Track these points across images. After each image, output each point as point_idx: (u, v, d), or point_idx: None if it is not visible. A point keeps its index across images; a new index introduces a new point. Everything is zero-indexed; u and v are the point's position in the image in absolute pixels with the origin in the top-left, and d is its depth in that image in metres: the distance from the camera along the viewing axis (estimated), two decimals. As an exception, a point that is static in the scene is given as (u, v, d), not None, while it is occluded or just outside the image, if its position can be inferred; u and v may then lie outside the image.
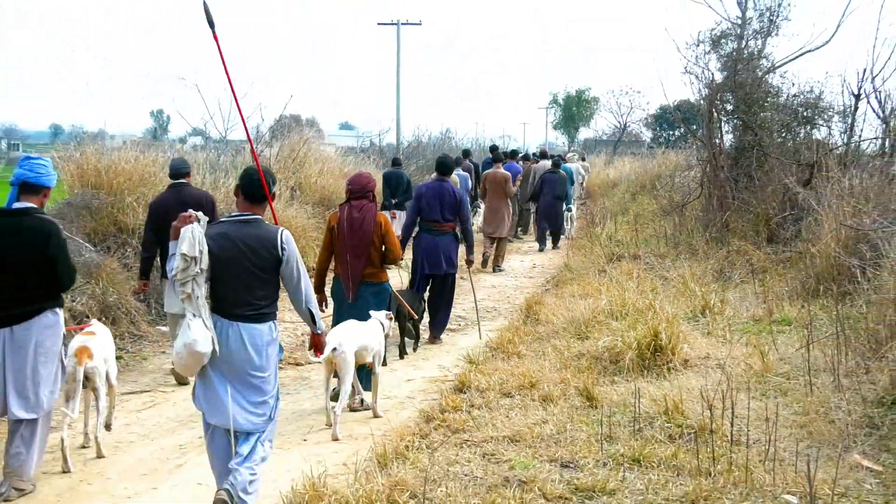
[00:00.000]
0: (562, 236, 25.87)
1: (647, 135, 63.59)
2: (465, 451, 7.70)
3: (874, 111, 17.69)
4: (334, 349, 8.81)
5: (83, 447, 8.50)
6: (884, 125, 17.41)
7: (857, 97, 18.05)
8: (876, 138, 18.10)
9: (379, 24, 52.91)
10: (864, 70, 17.38)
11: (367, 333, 9.57)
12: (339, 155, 27.27)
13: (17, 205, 7.51)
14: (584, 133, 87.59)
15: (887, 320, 9.57)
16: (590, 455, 7.41)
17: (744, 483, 6.64)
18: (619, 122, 69.07)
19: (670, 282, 15.37)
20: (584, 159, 44.04)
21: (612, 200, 33.80)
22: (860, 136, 18.61)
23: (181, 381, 10.86)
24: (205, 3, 7.26)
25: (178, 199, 11.14)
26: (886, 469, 6.96)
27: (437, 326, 13.51)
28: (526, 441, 7.86)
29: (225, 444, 6.56)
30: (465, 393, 9.69)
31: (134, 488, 7.48)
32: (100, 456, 8.20)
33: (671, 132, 53.44)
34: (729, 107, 21.17)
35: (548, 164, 26.77)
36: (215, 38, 7.41)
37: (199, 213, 6.48)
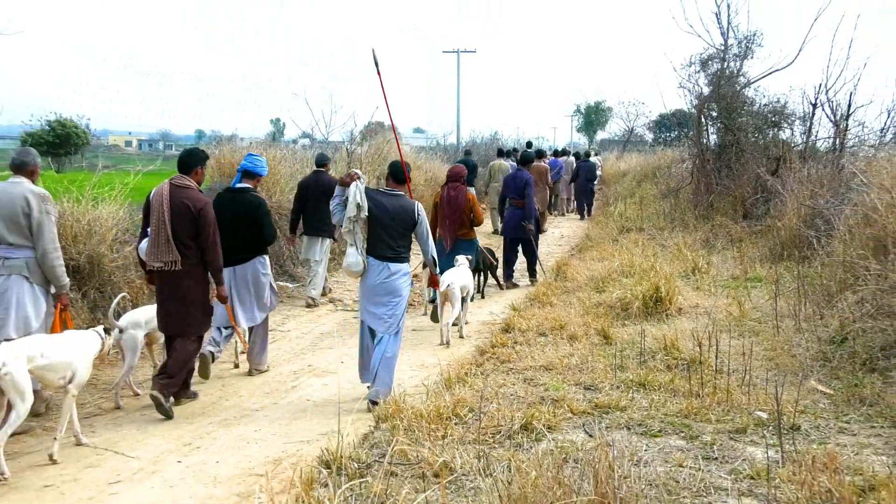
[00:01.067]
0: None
1: (649, 136, 62.58)
2: (511, 377, 7.73)
3: (827, 116, 17.60)
4: (448, 285, 9.78)
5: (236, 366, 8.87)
6: (835, 127, 17.31)
7: (814, 106, 17.90)
8: (828, 138, 17.98)
9: (443, 52, 52.70)
10: (820, 84, 17.39)
11: (465, 275, 10.55)
12: (413, 152, 27.20)
13: (239, 185, 8.74)
14: (600, 135, 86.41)
15: (837, 278, 9.51)
16: (606, 380, 7.41)
17: (725, 402, 6.61)
18: (628, 126, 67.74)
19: (668, 248, 15.26)
20: (597, 154, 43.59)
21: (622, 186, 33.49)
22: (816, 136, 18.55)
23: (310, 305, 12.25)
24: (373, 50, 8.49)
25: (317, 181, 12.38)
26: (836, 393, 6.90)
27: (529, 272, 14.50)
28: (557, 369, 7.87)
29: (368, 335, 7.73)
30: (510, 333, 9.69)
31: (259, 403, 7.58)
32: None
33: (668, 133, 52.54)
34: (714, 114, 20.90)
35: (572, 159, 28.36)
36: (379, 74, 8.69)
37: (360, 173, 7.59)
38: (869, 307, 8.24)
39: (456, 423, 6.20)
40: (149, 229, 7.37)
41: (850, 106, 16.89)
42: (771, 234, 14.70)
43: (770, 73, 20.13)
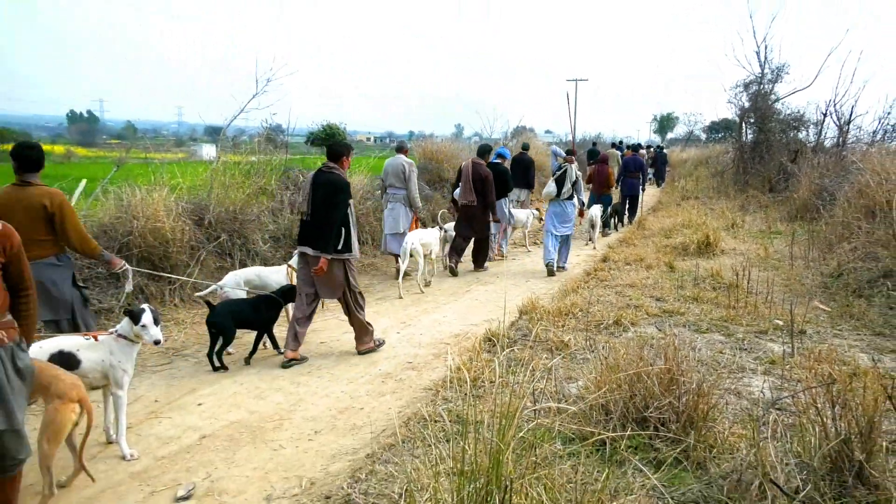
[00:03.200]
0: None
1: (703, 136, 58.99)
2: (607, 291, 7.55)
3: (834, 122, 16.71)
4: (592, 216, 11.43)
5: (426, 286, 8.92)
6: (839, 130, 16.41)
7: (825, 115, 16.97)
8: (833, 137, 16.95)
9: (567, 80, 51.04)
10: (830, 100, 16.93)
11: (598, 213, 11.75)
12: (544, 146, 26.67)
13: (495, 161, 9.75)
14: (669, 135, 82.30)
15: (837, 233, 8.93)
16: (671, 295, 7.14)
17: (753, 313, 6.27)
18: (689, 129, 64.19)
19: (714, 211, 14.55)
20: (667, 147, 41.44)
21: (683, 169, 31.64)
22: (825, 136, 17.39)
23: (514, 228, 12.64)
24: (567, 93, 9.98)
25: (521, 157, 12.34)
26: (833, 310, 6.42)
27: (630, 218, 14.84)
28: (638, 287, 7.63)
29: (554, 240, 9.07)
30: (606, 262, 9.45)
31: (446, 301, 7.65)
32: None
33: (717, 134, 49.32)
34: (751, 120, 19.62)
35: (644, 152, 26.76)
36: (567, 99, 10.00)
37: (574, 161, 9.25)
38: (859, 253, 7.73)
39: (571, 318, 6.16)
40: (460, 183, 9.08)
41: (851, 115, 16.15)
42: (789, 203, 13.89)
43: (794, 93, 19.32)
